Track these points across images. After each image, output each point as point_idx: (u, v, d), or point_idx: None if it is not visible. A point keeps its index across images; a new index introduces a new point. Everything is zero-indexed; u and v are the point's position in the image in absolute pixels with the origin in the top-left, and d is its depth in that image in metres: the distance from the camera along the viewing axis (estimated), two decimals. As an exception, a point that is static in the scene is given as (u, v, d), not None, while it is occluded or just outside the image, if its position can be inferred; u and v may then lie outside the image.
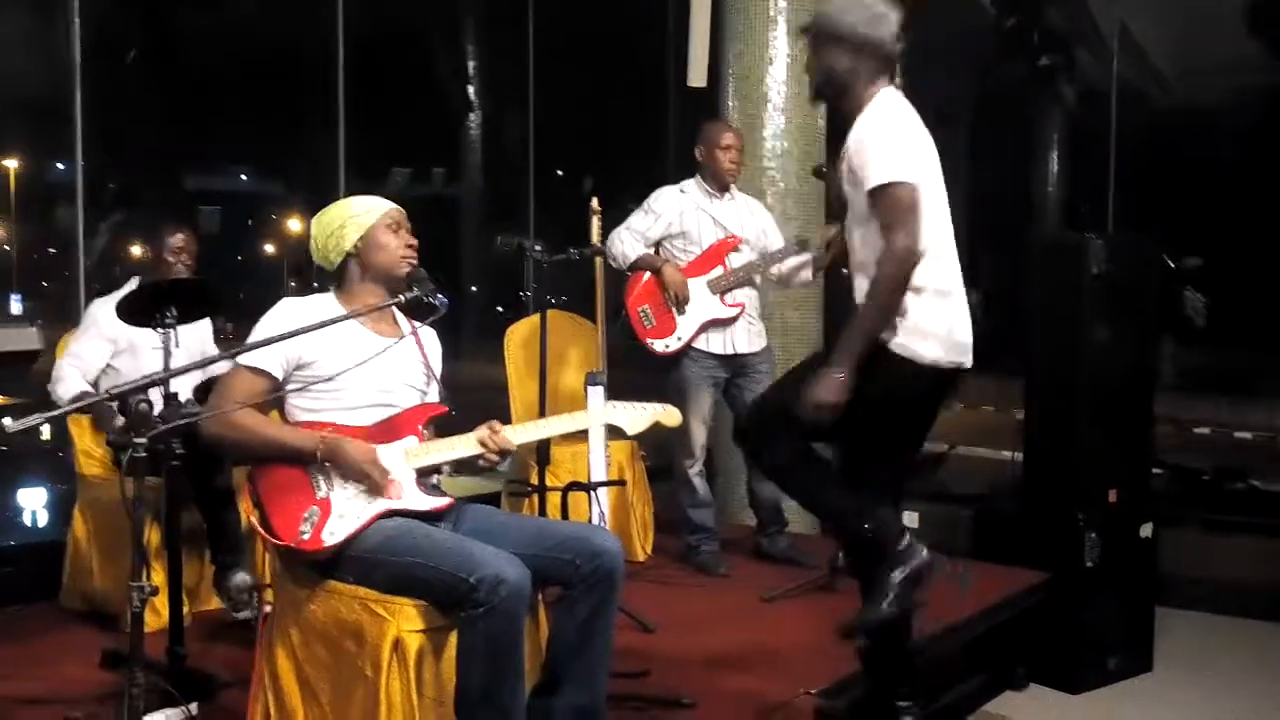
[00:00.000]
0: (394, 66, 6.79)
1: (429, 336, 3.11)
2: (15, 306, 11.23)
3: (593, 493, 3.88)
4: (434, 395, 3.08)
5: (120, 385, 2.41)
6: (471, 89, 7.21)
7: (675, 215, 4.72)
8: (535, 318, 5.03)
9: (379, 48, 6.38)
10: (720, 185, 4.76)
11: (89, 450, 4.29)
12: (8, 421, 2.26)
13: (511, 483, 4.72)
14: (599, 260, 4.33)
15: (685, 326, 4.66)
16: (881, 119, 2.99)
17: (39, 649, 3.87)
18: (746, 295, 4.74)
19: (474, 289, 7.63)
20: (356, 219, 2.96)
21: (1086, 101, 10.68)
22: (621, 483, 4.66)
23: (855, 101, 3.02)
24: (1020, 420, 4.93)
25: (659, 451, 5.27)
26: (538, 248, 3.94)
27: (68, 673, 3.61)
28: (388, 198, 3.14)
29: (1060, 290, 4.64)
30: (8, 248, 13.42)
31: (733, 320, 4.69)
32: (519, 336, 5.05)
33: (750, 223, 4.79)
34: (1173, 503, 5.84)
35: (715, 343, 4.68)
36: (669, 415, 3.06)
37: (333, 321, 2.79)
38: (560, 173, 7.54)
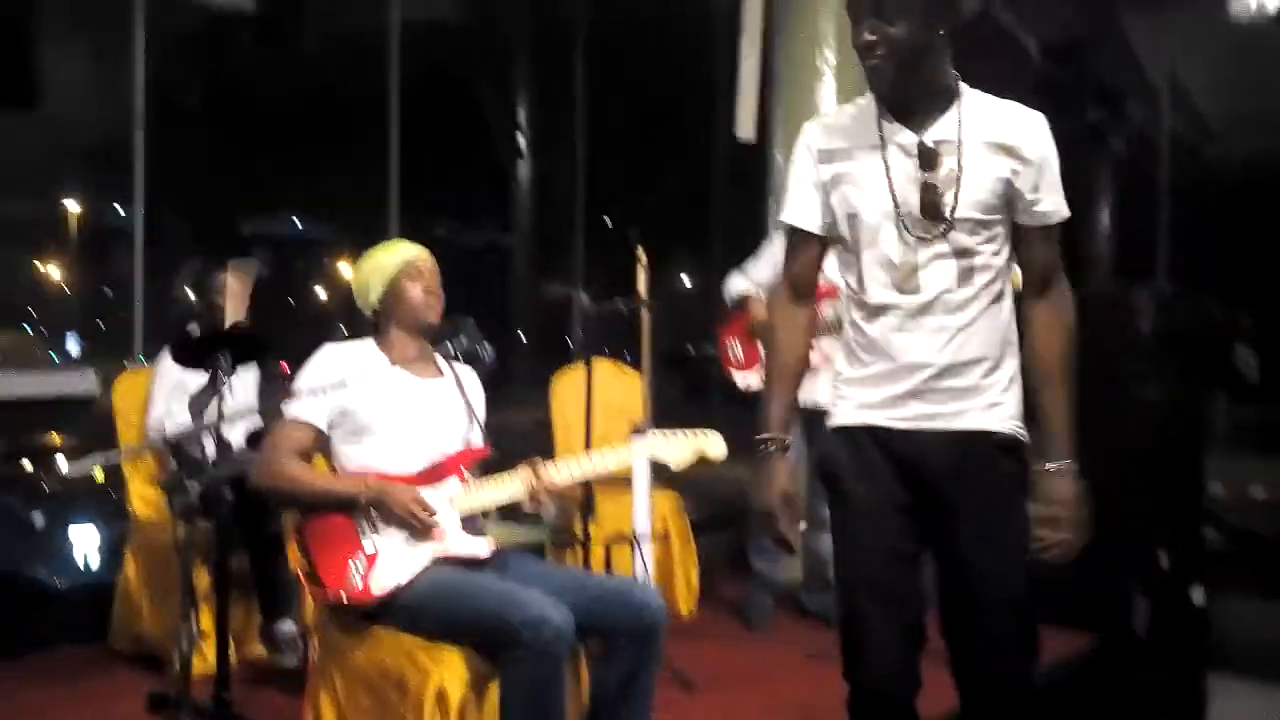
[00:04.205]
0: (445, 115, 6.90)
1: (470, 378, 3.14)
2: (73, 346, 11.44)
3: (636, 545, 3.87)
4: (477, 438, 3.10)
5: (174, 433, 2.45)
6: (521, 138, 7.29)
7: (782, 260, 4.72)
8: (579, 366, 5.08)
9: (431, 96, 6.49)
10: None
11: (141, 492, 4.35)
12: (65, 465, 2.30)
13: (556, 533, 4.72)
14: (646, 311, 4.35)
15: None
16: (1045, 124, 2.26)
17: (87, 690, 3.91)
18: (835, 346, 4.68)
19: (523, 336, 7.68)
20: (380, 270, 3.02)
21: (1136, 153, 10.62)
22: (665, 536, 4.65)
23: (938, 86, 2.24)
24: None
25: (713, 504, 5.27)
26: (585, 298, 3.96)
27: (115, 714, 3.66)
28: (435, 245, 3.17)
29: (1108, 344, 4.60)
30: (67, 289, 13.70)
31: (817, 368, 4.64)
32: (564, 385, 5.07)
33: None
34: (1226, 565, 5.73)
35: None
36: (713, 443, 3.04)
37: (370, 372, 2.83)
38: (609, 222, 7.59)
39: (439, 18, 6.78)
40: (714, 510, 5.48)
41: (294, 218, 10.92)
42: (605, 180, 7.29)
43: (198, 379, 3.74)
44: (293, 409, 2.87)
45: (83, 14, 5.67)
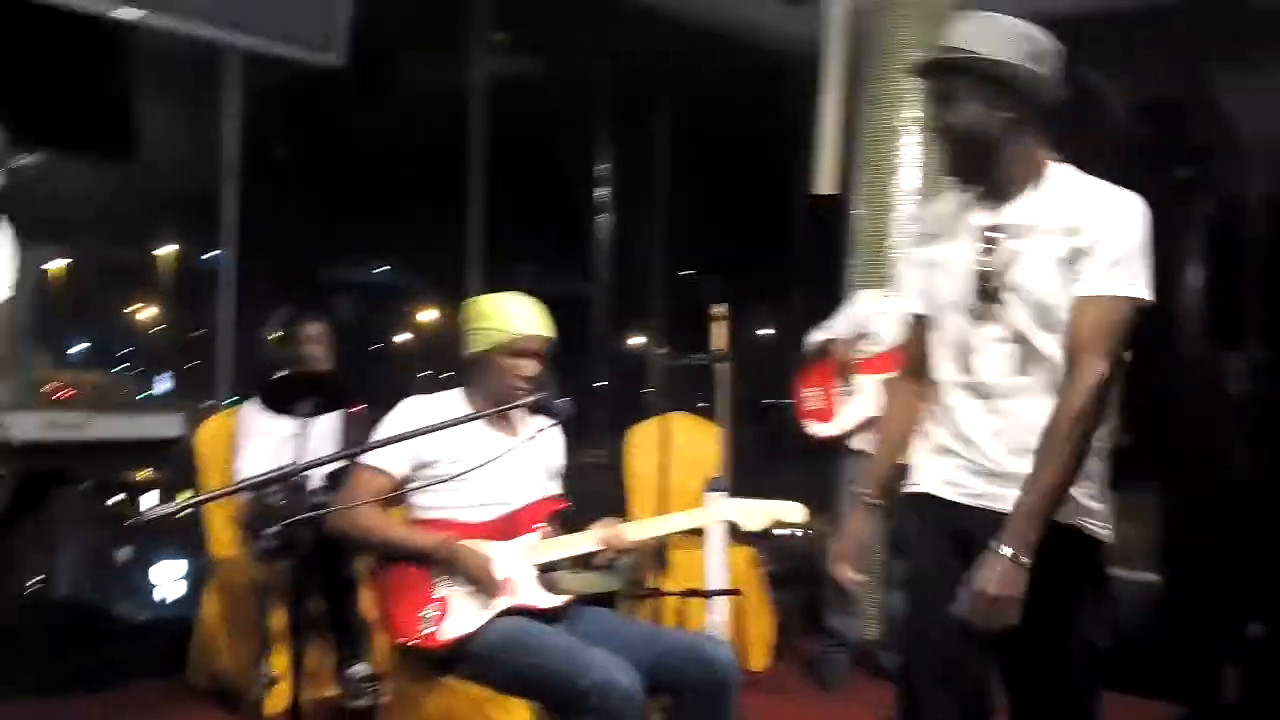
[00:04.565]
0: (526, 167, 6.98)
1: (549, 429, 3.14)
2: (161, 386, 11.73)
3: (710, 600, 3.83)
4: (555, 490, 3.11)
5: (252, 478, 2.50)
6: (600, 190, 7.36)
7: (864, 315, 4.72)
8: (658, 419, 5.08)
9: (512, 149, 6.57)
10: None
11: (221, 532, 4.42)
12: (149, 506, 2.35)
13: (628, 585, 4.70)
14: (723, 365, 4.33)
15: (846, 417, 4.62)
16: (1127, 204, 2.18)
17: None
18: None
19: (599, 388, 7.70)
20: (486, 331, 2.98)
21: (1227, 213, 10.40)
22: (737, 592, 4.60)
23: (1013, 170, 2.22)
24: (1157, 541, 4.75)
25: (790, 558, 5.22)
26: (662, 351, 3.96)
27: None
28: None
29: (1198, 409, 4.50)
30: (157, 332, 14.06)
31: None
32: (640, 437, 5.07)
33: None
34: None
35: (874, 446, 4.62)
36: (790, 512, 3.03)
37: (453, 423, 2.84)
38: (688, 274, 7.61)
39: (521, 72, 6.89)
40: (790, 564, 5.42)
41: (377, 267, 11.11)
42: (684, 233, 7.32)
43: (283, 425, 3.82)
44: (372, 457, 2.90)
45: (178, 71, 5.85)
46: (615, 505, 4.21)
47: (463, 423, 2.84)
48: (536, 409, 2.94)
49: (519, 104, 6.62)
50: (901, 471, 2.43)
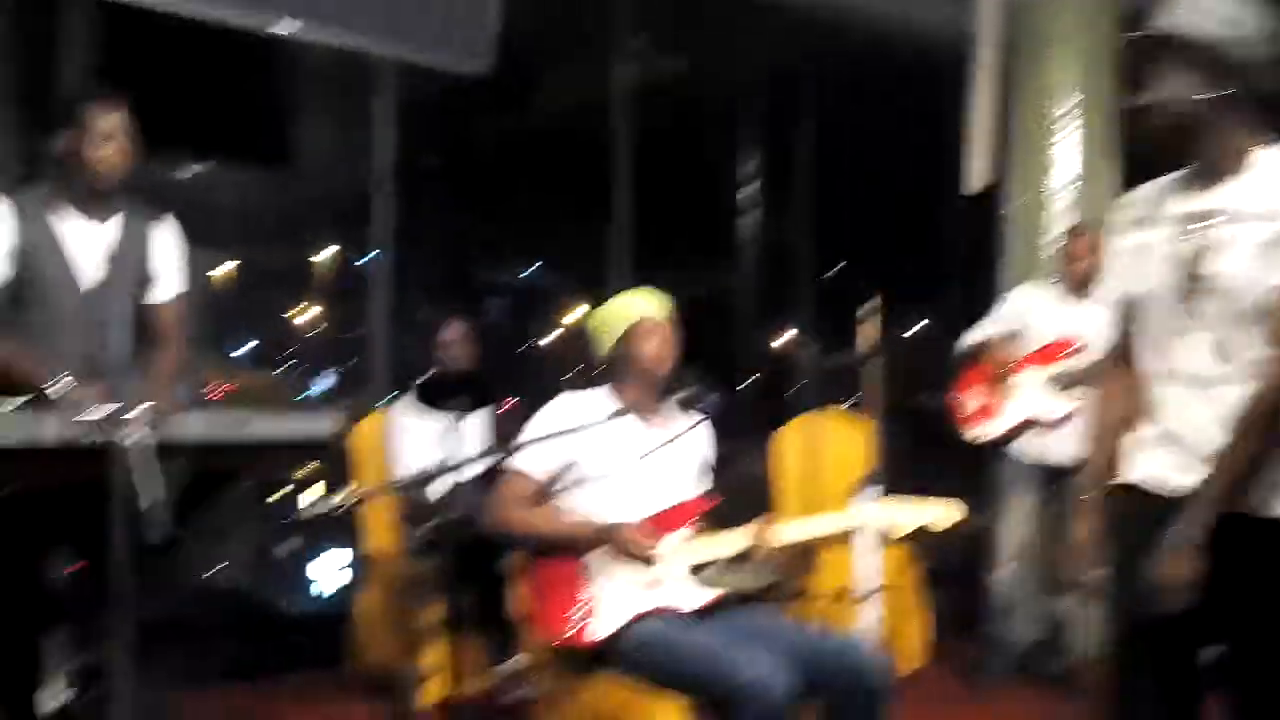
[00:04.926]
0: (672, 163, 6.98)
1: (699, 427, 3.14)
2: (319, 385, 12.14)
3: (862, 601, 3.76)
4: (705, 487, 3.09)
5: (410, 475, 2.55)
6: (746, 188, 7.31)
7: (1018, 314, 4.60)
8: (807, 417, 5.02)
9: (658, 149, 6.58)
10: (1075, 287, 4.56)
11: (379, 528, 4.52)
12: (307, 506, 2.42)
13: (776, 584, 4.64)
14: (876, 362, 4.24)
15: (1006, 418, 4.52)
16: None
17: (323, 715, 4.08)
18: (1077, 403, 4.44)
19: (743, 386, 7.67)
20: (611, 325, 3.06)
21: None
22: (894, 589, 4.51)
23: (1219, 153, 2.13)
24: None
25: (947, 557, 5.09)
26: (814, 348, 3.90)
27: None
28: (662, 292, 3.19)
29: None
30: (309, 333, 14.55)
31: (1057, 424, 4.47)
32: (790, 435, 5.00)
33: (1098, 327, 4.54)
34: None
35: (1033, 447, 4.50)
36: (946, 514, 2.96)
37: (601, 421, 2.86)
38: (836, 271, 7.52)
39: (665, 73, 6.89)
40: (946, 564, 5.29)
41: (526, 269, 11.29)
42: (831, 230, 7.23)
43: (435, 422, 3.90)
44: (521, 458, 2.93)
45: (333, 82, 6.03)
46: (760, 504, 4.17)
47: (615, 418, 2.87)
48: (686, 405, 2.93)
49: (663, 105, 6.63)
50: (1115, 464, 2.34)
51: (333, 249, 12.23)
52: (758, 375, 7.41)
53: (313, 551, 5.34)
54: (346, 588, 5.03)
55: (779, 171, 7.29)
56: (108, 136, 2.99)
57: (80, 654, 3.04)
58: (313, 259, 12.46)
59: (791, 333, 7.63)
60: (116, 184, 2.98)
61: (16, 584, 2.89)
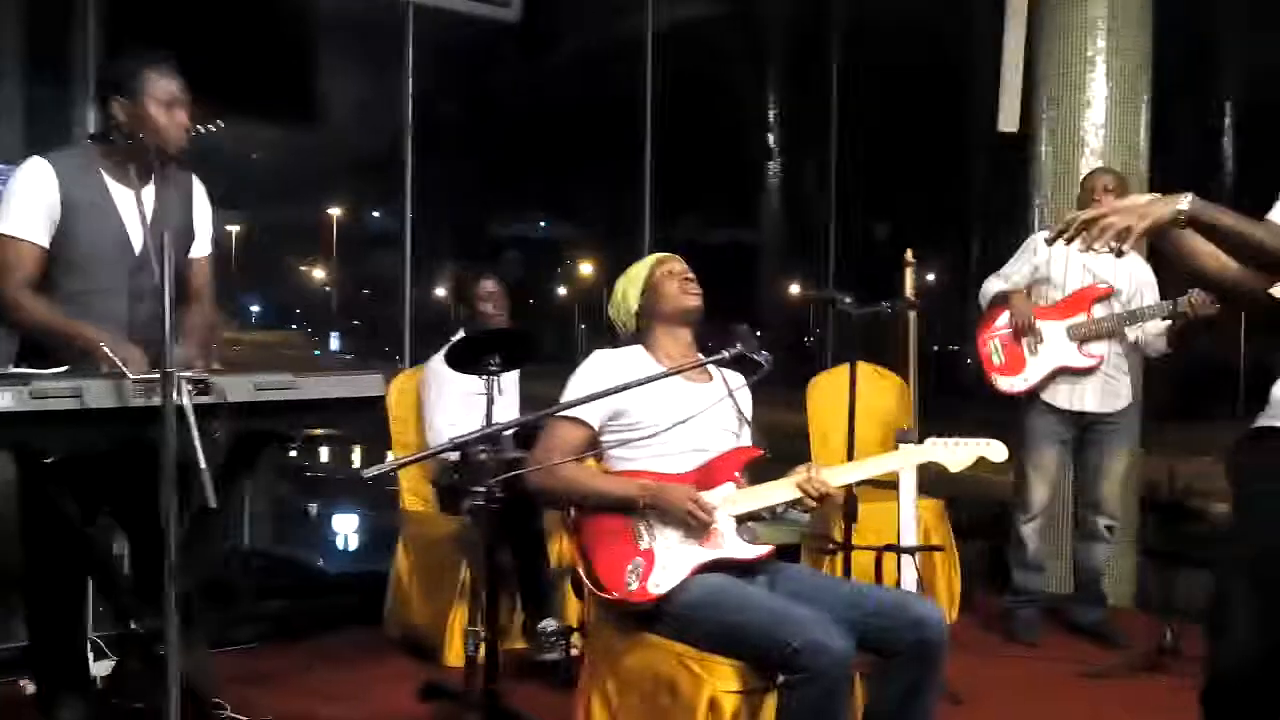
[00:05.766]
0: (694, 113, 6.89)
1: (737, 380, 3.11)
2: (334, 342, 12.17)
3: (904, 556, 3.74)
4: (747, 439, 3.06)
5: (461, 436, 2.52)
6: (771, 135, 7.22)
7: (1043, 259, 4.54)
8: (839, 369, 4.98)
9: (682, 95, 6.50)
10: None
11: (414, 488, 4.51)
12: (365, 470, 2.39)
13: (815, 538, 4.64)
14: (911, 314, 4.20)
15: (1035, 368, 4.46)
16: None
17: (362, 674, 4.08)
18: (1109, 349, 4.46)
19: (767, 337, 7.61)
20: (634, 277, 3.10)
21: None
22: (939, 548, 4.50)
23: None
24: None
25: (975, 506, 5.09)
26: (848, 299, 3.85)
27: (389, 699, 3.80)
28: (681, 242, 3.19)
29: None
30: (328, 289, 14.55)
31: (1087, 373, 4.44)
32: (822, 388, 4.98)
33: (1127, 274, 4.49)
34: None
35: (1062, 396, 4.45)
36: (994, 449, 2.93)
37: (655, 378, 2.83)
38: (860, 220, 7.44)
39: (692, 16, 6.78)
40: (972, 516, 5.28)
41: (540, 220, 11.21)
42: (857, 177, 7.15)
43: (470, 383, 3.87)
44: (564, 411, 2.89)
45: (356, 31, 5.93)
46: (789, 456, 4.14)
47: (669, 375, 2.85)
48: (736, 361, 2.89)
49: (688, 49, 6.53)
50: None
51: (344, 207, 12.20)
52: (780, 326, 7.37)
53: (343, 509, 5.36)
54: (379, 545, 5.03)
55: (805, 118, 7.20)
56: (170, 105, 2.94)
57: (124, 618, 3.02)
58: (328, 215, 12.43)
59: (812, 282, 7.57)
60: (181, 151, 2.95)
61: (65, 548, 2.88)
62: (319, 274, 13.79)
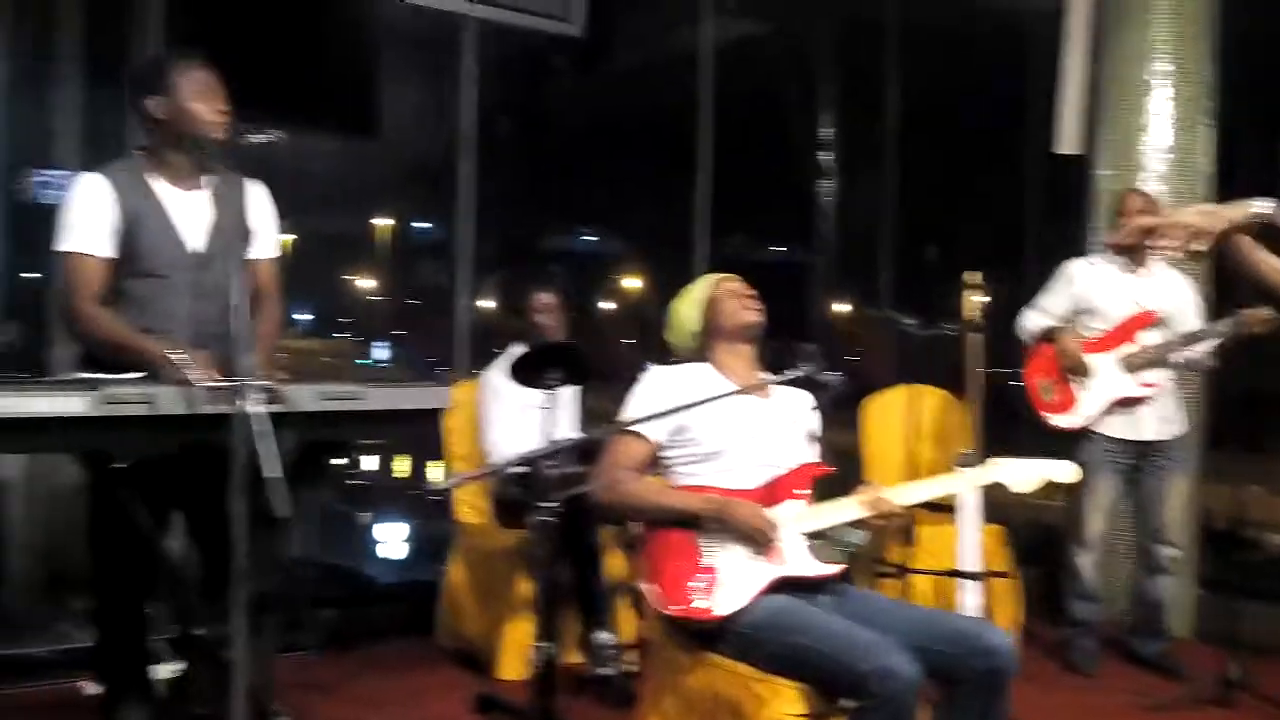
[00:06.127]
0: (747, 131, 6.88)
1: (802, 399, 3.08)
2: (380, 352, 12.20)
3: (967, 582, 3.68)
4: (813, 456, 3.03)
5: (531, 451, 2.51)
6: (825, 154, 7.20)
7: (1082, 289, 4.49)
8: (894, 390, 4.94)
9: (733, 112, 6.49)
10: (1130, 255, 4.47)
11: (469, 500, 4.50)
12: (442, 480, 2.39)
13: (871, 561, 4.58)
14: (972, 336, 4.15)
15: (1089, 403, 4.40)
16: None
17: (414, 685, 4.08)
18: (1162, 376, 4.40)
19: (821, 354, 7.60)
20: (693, 298, 3.08)
21: None
22: (1006, 574, 4.43)
23: None
24: None
25: (1026, 530, 5.02)
26: (910, 320, 3.82)
27: (438, 710, 3.80)
28: (730, 258, 3.18)
29: None
30: (374, 299, 14.61)
31: (1142, 402, 4.38)
32: (878, 408, 4.93)
33: (1171, 298, 4.43)
34: None
35: (1118, 426, 4.39)
36: (1062, 470, 2.89)
37: (722, 396, 2.82)
38: (910, 241, 7.40)
39: (745, 34, 6.78)
40: (1027, 544, 5.21)
41: (589, 234, 11.24)
42: (909, 198, 7.11)
43: (527, 396, 3.87)
44: (627, 424, 2.88)
45: (413, 44, 5.97)
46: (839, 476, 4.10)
47: (740, 393, 2.83)
48: (808, 384, 2.87)
49: (740, 67, 6.52)
50: None
51: (393, 216, 12.28)
52: (830, 346, 7.32)
53: (393, 519, 5.38)
54: (429, 556, 5.03)
55: (860, 135, 7.17)
56: (205, 95, 2.95)
57: (189, 624, 3.03)
58: (377, 225, 12.50)
59: (866, 302, 7.53)
60: (219, 143, 2.93)
61: (134, 552, 2.89)
62: (366, 283, 13.87)
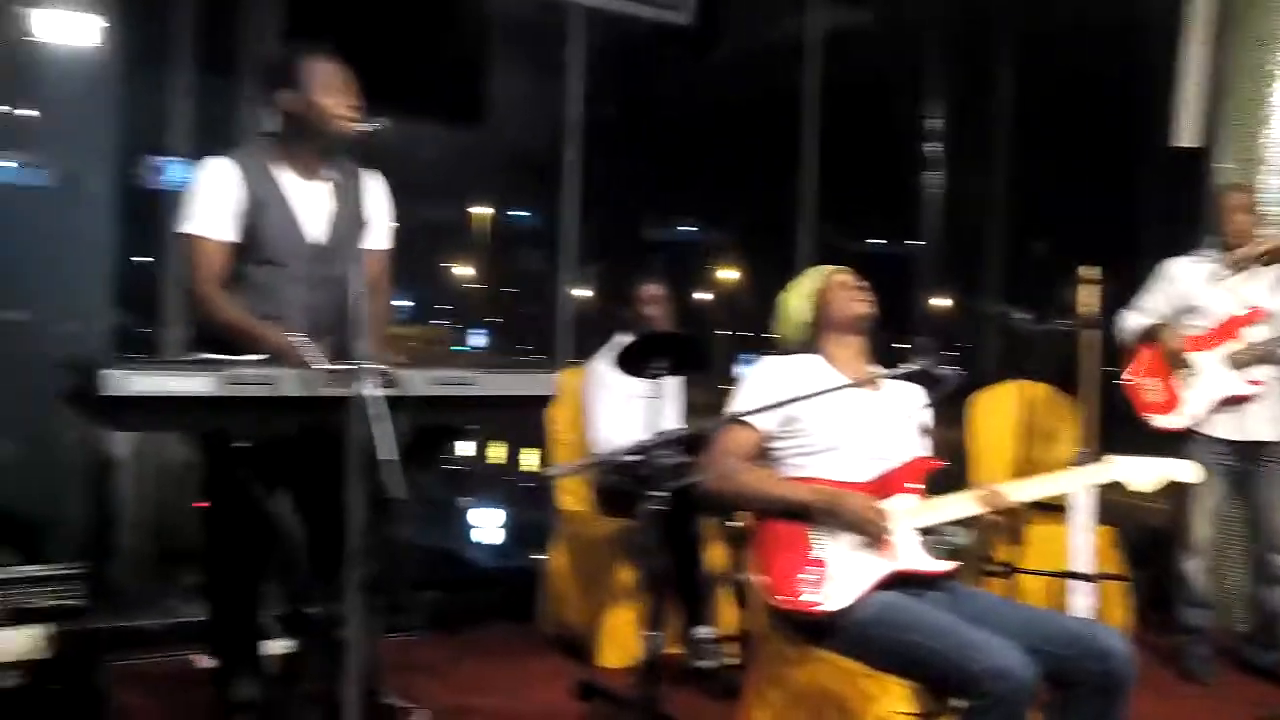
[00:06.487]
0: (851, 121, 6.79)
1: (914, 393, 3.04)
2: (478, 339, 12.31)
3: (1079, 583, 3.59)
4: (926, 450, 2.98)
5: (643, 441, 2.50)
6: (931, 145, 7.08)
7: (1184, 288, 4.37)
8: (1003, 386, 4.85)
9: (839, 103, 6.42)
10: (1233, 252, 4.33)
11: (571, 487, 4.52)
12: (548, 467, 2.39)
13: (983, 561, 4.50)
14: (1088, 332, 4.05)
15: (1194, 402, 4.28)
16: None
17: (518, 670, 4.12)
18: (1269, 374, 4.25)
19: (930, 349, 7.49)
20: (804, 291, 3.06)
21: None
22: (1122, 577, 4.32)
23: None
24: None
25: (1131, 533, 4.90)
26: (1024, 315, 3.74)
27: (540, 696, 3.82)
28: (834, 250, 3.14)
29: None
30: (472, 286, 14.76)
31: (1249, 400, 4.24)
32: (985, 405, 4.84)
33: (1273, 296, 4.30)
34: None
35: (1225, 427, 4.26)
36: (1184, 469, 2.81)
37: (837, 389, 2.79)
38: (1018, 234, 7.25)
39: (852, 23, 6.70)
40: (1137, 548, 5.08)
41: (687, 224, 11.21)
42: (1018, 190, 6.97)
43: (632, 385, 3.87)
44: (738, 414, 2.86)
45: (520, 31, 5.99)
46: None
47: (855, 386, 2.81)
48: (922, 378, 2.82)
49: (846, 56, 6.44)
50: None
51: (493, 204, 12.38)
52: (935, 341, 7.22)
53: (494, 505, 5.43)
54: (531, 543, 5.06)
55: (969, 125, 7.04)
56: (336, 89, 2.98)
57: (301, 603, 3.09)
58: (475, 213, 12.61)
59: (973, 296, 7.40)
60: (350, 139, 2.94)
61: (251, 531, 2.95)
62: (464, 270, 13.99)
